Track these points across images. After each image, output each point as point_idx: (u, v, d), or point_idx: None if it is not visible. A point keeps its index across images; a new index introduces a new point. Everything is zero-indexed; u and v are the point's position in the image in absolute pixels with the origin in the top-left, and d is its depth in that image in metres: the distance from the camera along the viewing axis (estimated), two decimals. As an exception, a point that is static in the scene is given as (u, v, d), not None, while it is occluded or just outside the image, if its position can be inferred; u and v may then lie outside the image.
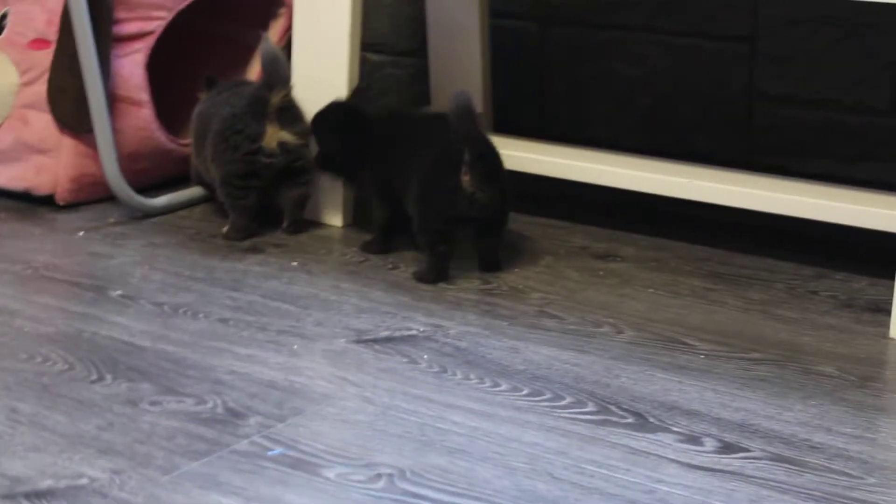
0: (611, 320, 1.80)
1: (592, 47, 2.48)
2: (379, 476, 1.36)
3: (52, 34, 2.23)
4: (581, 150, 2.22)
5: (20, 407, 1.49)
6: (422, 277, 1.92)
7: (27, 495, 1.30)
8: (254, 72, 2.49)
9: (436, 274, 1.92)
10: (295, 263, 2.00)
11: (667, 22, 2.39)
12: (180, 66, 2.45)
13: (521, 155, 2.19)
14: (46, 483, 1.32)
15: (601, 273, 1.99)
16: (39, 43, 2.25)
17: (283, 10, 2.47)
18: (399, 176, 1.98)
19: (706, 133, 2.39)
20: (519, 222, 2.20)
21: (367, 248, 2.05)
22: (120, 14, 2.24)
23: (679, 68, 2.40)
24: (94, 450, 1.39)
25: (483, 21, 2.44)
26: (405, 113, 2.13)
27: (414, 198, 1.93)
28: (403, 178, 1.97)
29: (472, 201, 1.89)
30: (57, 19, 2.22)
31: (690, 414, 1.52)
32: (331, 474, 1.36)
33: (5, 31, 2.28)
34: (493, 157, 1.94)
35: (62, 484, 1.32)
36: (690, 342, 1.73)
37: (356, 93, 2.10)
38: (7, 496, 1.29)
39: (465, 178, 1.88)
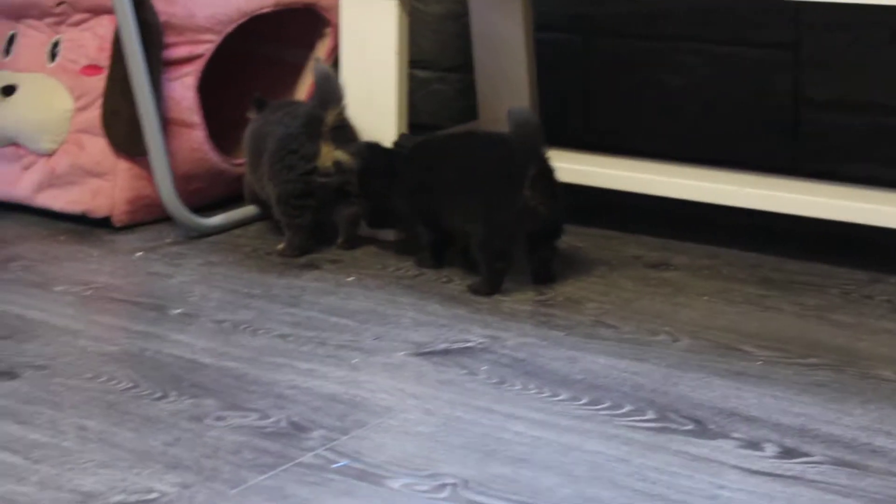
0: (667, 328, 1.81)
1: (636, 58, 2.50)
2: (443, 486, 1.37)
3: (104, 60, 2.26)
4: (629, 160, 2.23)
5: (88, 424, 1.52)
6: (477, 290, 1.94)
7: (100, 511, 1.33)
8: (302, 91, 2.52)
9: (491, 287, 1.94)
10: (351, 279, 2.02)
11: (710, 31, 2.40)
12: (230, 88, 2.48)
13: (569, 167, 2.20)
14: (117, 498, 1.35)
15: (655, 282, 2.01)
16: (92, 69, 2.28)
17: (328, 30, 2.50)
18: (444, 200, 1.99)
19: (752, 141, 2.40)
20: (571, 233, 2.21)
21: (421, 263, 2.07)
22: (170, 39, 2.27)
23: (723, 76, 2.41)
24: (162, 465, 1.42)
25: (528, 35, 2.46)
26: (432, 139, 2.14)
27: (472, 217, 1.94)
28: (451, 202, 1.98)
29: (536, 216, 1.91)
30: (108, 45, 2.25)
31: (750, 420, 1.53)
32: (396, 485, 1.37)
33: (58, 59, 2.31)
34: (552, 170, 1.95)
35: (133, 499, 1.35)
36: (747, 349, 1.74)
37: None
38: (80, 512, 1.32)
39: (528, 194, 1.90)
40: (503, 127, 2.40)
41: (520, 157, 1.92)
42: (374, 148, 2.09)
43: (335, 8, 2.40)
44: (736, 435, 1.49)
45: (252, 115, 2.26)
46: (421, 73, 2.71)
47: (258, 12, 2.39)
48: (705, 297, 1.94)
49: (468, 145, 2.05)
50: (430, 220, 2.03)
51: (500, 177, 1.93)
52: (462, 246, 2.02)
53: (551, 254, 1.99)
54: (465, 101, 2.64)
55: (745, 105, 2.40)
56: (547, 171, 1.94)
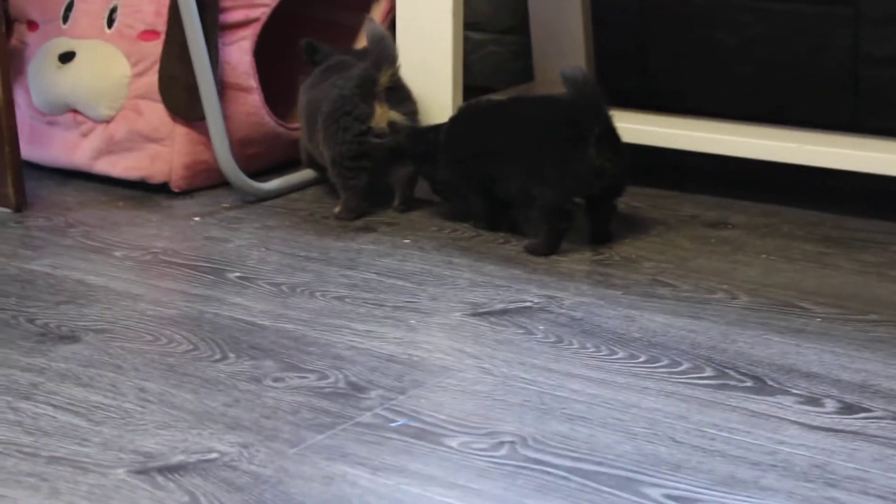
0: (724, 286, 1.80)
1: (693, 16, 2.48)
2: (501, 444, 1.38)
3: (161, 25, 2.27)
4: (687, 118, 2.22)
5: (148, 386, 1.53)
6: (535, 250, 1.94)
7: (160, 470, 1.34)
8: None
9: (551, 247, 1.93)
10: (407, 241, 2.02)
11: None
12: (286, 52, 2.48)
13: (626, 126, 2.19)
14: (178, 458, 1.36)
15: (713, 241, 2.00)
16: (149, 34, 2.29)
17: (384, -7, 2.50)
18: (503, 166, 1.98)
19: (811, 98, 2.37)
20: (628, 193, 2.19)
21: (479, 227, 2.06)
22: (226, 3, 2.28)
23: (781, 34, 2.38)
24: (222, 425, 1.43)
25: (584, -6, 2.45)
26: (480, 105, 2.11)
27: (538, 180, 1.93)
28: (512, 167, 1.97)
29: (602, 174, 1.90)
30: (165, 10, 2.26)
31: (809, 376, 1.52)
32: (454, 443, 1.38)
33: (115, 25, 2.32)
34: (616, 129, 1.95)
35: (193, 458, 1.36)
36: (806, 306, 1.73)
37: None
38: (141, 471, 1.33)
39: (594, 153, 1.89)
40: (559, 88, 2.40)
41: (584, 116, 1.91)
42: (415, 135, 2.09)
43: (390, -30, 2.40)
44: (795, 391, 1.48)
45: (302, 77, 2.27)
46: (476, 35, 2.70)
47: (313, -24, 2.40)
48: (764, 255, 1.92)
49: (526, 109, 2.04)
50: (483, 188, 2.02)
51: (567, 138, 1.92)
52: (517, 211, 2.02)
53: (611, 213, 1.99)
54: (521, 62, 2.64)
55: (804, 62, 2.37)
56: (611, 130, 1.93)
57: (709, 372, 1.54)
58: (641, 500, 1.27)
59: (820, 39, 2.35)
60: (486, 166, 2.01)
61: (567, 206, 1.92)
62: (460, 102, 2.18)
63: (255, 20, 2.32)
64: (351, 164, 2.10)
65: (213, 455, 1.37)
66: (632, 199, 2.18)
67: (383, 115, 2.09)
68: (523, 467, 1.33)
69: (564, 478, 1.31)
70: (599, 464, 1.33)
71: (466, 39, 2.57)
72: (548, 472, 1.32)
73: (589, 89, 1.94)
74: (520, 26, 2.62)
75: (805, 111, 2.37)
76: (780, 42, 2.39)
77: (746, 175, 2.25)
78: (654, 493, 1.28)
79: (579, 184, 1.91)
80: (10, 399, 1.50)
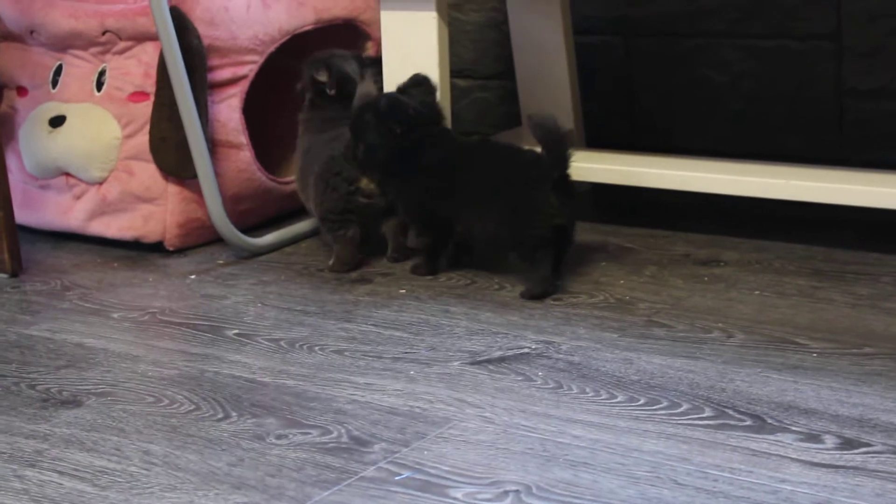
0: (720, 325, 1.82)
1: (678, 56, 2.50)
2: (506, 493, 1.38)
3: (150, 86, 2.29)
4: (674, 158, 2.24)
5: (153, 449, 1.54)
6: (531, 294, 1.95)
7: (168, 533, 1.35)
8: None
9: (543, 287, 1.95)
10: (403, 291, 2.04)
11: (750, 25, 2.41)
12: (274, 106, 2.50)
13: (615, 168, 2.22)
14: (185, 521, 1.37)
15: (706, 279, 2.01)
16: (138, 96, 2.31)
17: (370, 44, 2.52)
18: (467, 207, 2.03)
19: (798, 132, 2.40)
20: (620, 234, 2.23)
21: (416, 271, 2.10)
22: (213, 62, 2.30)
23: (766, 70, 2.41)
24: (227, 486, 1.43)
25: (567, 39, 2.47)
26: (453, 145, 2.13)
27: (498, 220, 1.97)
28: (476, 209, 2.01)
29: (556, 217, 1.94)
30: (153, 72, 2.28)
31: (808, 412, 1.53)
32: (459, 494, 1.39)
33: (105, 87, 2.34)
34: (571, 178, 2.00)
35: (200, 520, 1.37)
36: (801, 341, 1.74)
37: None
38: (149, 536, 1.34)
39: (552, 197, 1.93)
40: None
41: (548, 163, 1.95)
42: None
43: (376, 22, 2.43)
44: (795, 428, 1.49)
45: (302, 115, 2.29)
46: (462, 82, 2.72)
47: (300, 30, 2.42)
48: (757, 292, 1.94)
49: (492, 153, 2.07)
50: (440, 226, 2.06)
51: (525, 180, 1.97)
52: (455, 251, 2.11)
53: (559, 261, 2.00)
54: (508, 107, 2.66)
55: (789, 97, 2.40)
56: (568, 176, 1.99)
57: (708, 412, 1.55)
58: (647, 545, 1.28)
59: (805, 74, 2.38)
60: (451, 205, 2.03)
61: (534, 241, 1.95)
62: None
63: (243, 77, 2.34)
64: (336, 216, 2.12)
65: (220, 516, 1.37)
66: (624, 240, 2.20)
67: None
68: (529, 516, 1.34)
69: (570, 525, 1.32)
70: (604, 509, 1.34)
71: (453, 86, 2.60)
72: (553, 520, 1.33)
73: (560, 138, 1.97)
74: (505, 72, 2.64)
75: (793, 146, 2.39)
76: (767, 78, 2.41)
77: (737, 211, 2.28)
78: (660, 537, 1.29)
79: (539, 223, 1.94)
80: (15, 467, 1.50)
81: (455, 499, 1.38)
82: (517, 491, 1.39)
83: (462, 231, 2.05)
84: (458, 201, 2.03)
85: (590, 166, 2.24)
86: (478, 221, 2.01)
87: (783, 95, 2.40)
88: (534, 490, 1.39)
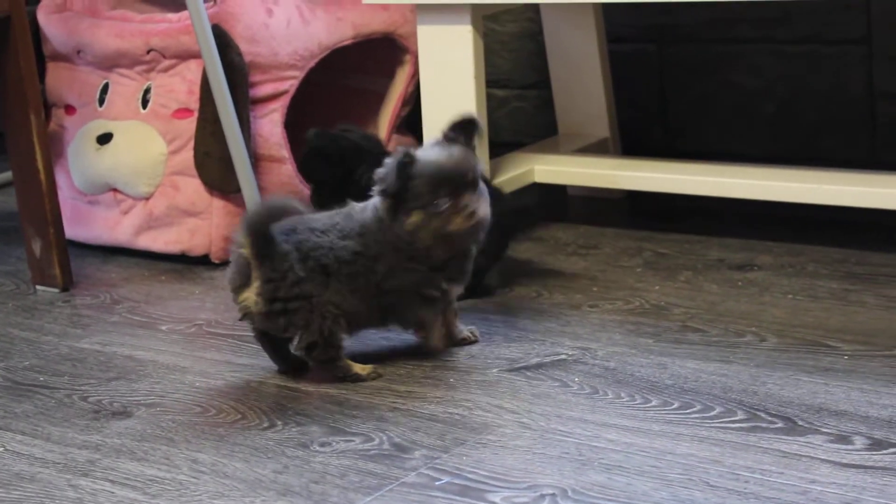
0: (753, 329, 1.85)
1: (711, 62, 2.53)
2: (542, 497, 1.42)
3: (194, 103, 2.34)
4: (708, 164, 2.27)
5: (201, 458, 1.59)
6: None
7: (217, 539, 1.39)
8: (385, 118, 2.58)
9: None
10: (442, 300, 2.08)
11: (782, 31, 2.43)
12: (315, 120, 2.55)
13: (650, 175, 2.25)
14: (233, 527, 1.42)
15: (740, 283, 2.04)
16: (182, 112, 2.37)
17: (408, 57, 2.56)
18: None
19: (830, 136, 2.42)
20: (655, 240, 2.26)
21: None
22: (255, 78, 2.35)
23: (798, 75, 2.44)
24: (273, 492, 1.48)
25: (601, 47, 2.51)
26: None
27: None
28: None
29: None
30: (197, 89, 2.34)
31: (839, 414, 1.56)
32: (497, 499, 1.43)
33: (150, 105, 2.40)
34: None
35: (248, 526, 1.42)
36: (833, 344, 1.77)
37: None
38: (198, 541, 1.39)
39: None
40: (583, 140, 2.46)
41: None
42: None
43: (413, 36, 2.47)
44: (825, 430, 1.52)
45: None
46: (499, 92, 2.77)
47: (338, 45, 2.47)
48: (790, 296, 1.97)
49: None
50: None
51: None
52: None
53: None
54: (545, 116, 2.70)
55: (822, 101, 2.42)
56: None
57: (740, 415, 1.58)
58: (679, 546, 1.31)
59: (836, 78, 2.40)
60: None
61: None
62: (486, 161, 2.24)
63: (284, 92, 2.39)
64: None
65: (266, 522, 1.42)
66: (659, 246, 2.23)
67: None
68: (564, 518, 1.38)
69: (604, 527, 1.36)
70: (638, 511, 1.38)
71: (490, 97, 2.64)
72: (588, 523, 1.37)
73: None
74: (541, 81, 2.68)
75: (826, 149, 2.42)
76: (799, 83, 2.44)
77: (771, 216, 2.31)
78: (692, 537, 1.33)
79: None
80: (69, 476, 1.56)
81: (493, 503, 1.42)
82: (553, 494, 1.43)
83: None
84: None
85: (625, 174, 2.28)
86: None
87: (815, 100, 2.43)
88: (569, 493, 1.42)
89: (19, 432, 1.69)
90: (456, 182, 1.72)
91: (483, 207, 1.74)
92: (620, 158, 2.49)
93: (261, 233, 1.73)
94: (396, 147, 1.74)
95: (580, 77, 2.53)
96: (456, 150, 1.74)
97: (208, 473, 1.54)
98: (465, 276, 1.81)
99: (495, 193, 1.92)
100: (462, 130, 1.76)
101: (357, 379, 1.78)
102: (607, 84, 2.53)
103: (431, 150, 1.75)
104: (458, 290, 1.82)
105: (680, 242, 2.26)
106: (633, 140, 2.59)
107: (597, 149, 2.50)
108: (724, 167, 2.24)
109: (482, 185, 1.76)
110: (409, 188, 1.72)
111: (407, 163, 1.71)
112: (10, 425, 1.72)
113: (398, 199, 1.73)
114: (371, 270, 1.76)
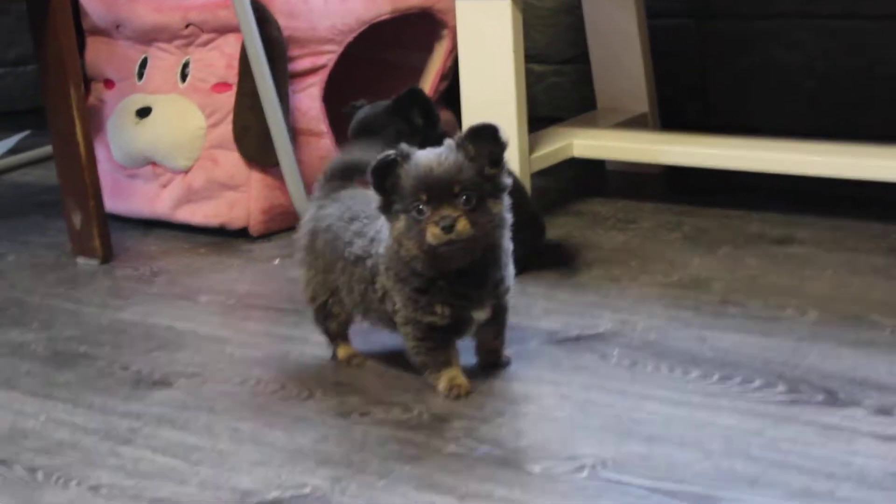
0: (794, 302, 1.84)
1: (751, 37, 2.52)
2: (582, 467, 1.42)
3: (232, 77, 2.35)
4: (748, 139, 2.26)
5: (241, 426, 1.59)
6: None
7: (258, 507, 1.40)
8: (426, 87, 2.58)
9: None
10: (481, 273, 2.08)
11: (822, 6, 2.42)
12: (353, 94, 2.55)
13: (690, 150, 2.24)
14: (273, 494, 1.42)
15: (780, 258, 2.03)
16: (221, 86, 2.37)
17: (446, 32, 2.56)
18: None
19: (871, 111, 2.41)
20: (695, 215, 2.26)
21: None
22: (293, 52, 2.35)
23: (838, 50, 2.42)
24: (313, 461, 1.48)
25: (641, 22, 2.50)
26: None
27: None
28: None
29: None
30: (235, 63, 2.34)
31: (881, 387, 1.55)
32: (536, 468, 1.43)
33: (189, 79, 2.40)
34: None
35: (287, 494, 1.42)
36: (875, 318, 1.76)
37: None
38: (239, 509, 1.40)
39: None
40: (622, 115, 2.46)
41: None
42: None
43: (451, 10, 2.47)
44: (867, 402, 1.52)
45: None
46: (538, 67, 2.76)
47: (377, 20, 2.47)
48: (831, 270, 1.96)
49: None
50: None
51: None
52: None
53: None
54: (583, 91, 2.69)
55: (862, 76, 2.41)
56: None
57: (781, 387, 1.58)
58: (720, 515, 1.31)
59: (877, 53, 2.38)
60: None
61: None
62: (525, 134, 2.23)
63: (323, 66, 2.39)
64: None
65: (307, 489, 1.42)
66: (699, 221, 2.23)
67: None
68: (604, 489, 1.38)
69: (644, 497, 1.35)
70: (678, 482, 1.38)
71: (529, 71, 2.63)
72: (628, 493, 1.36)
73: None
74: (580, 56, 2.67)
75: (866, 124, 2.40)
76: (839, 58, 2.42)
77: (811, 190, 2.29)
78: (733, 507, 1.32)
79: None
80: (111, 444, 1.57)
81: (532, 473, 1.42)
82: (593, 465, 1.42)
83: None
84: None
85: (664, 148, 2.28)
86: None
87: (856, 75, 2.41)
88: (609, 464, 1.42)
89: (61, 401, 1.70)
90: (437, 189, 1.52)
91: (482, 224, 1.54)
92: (659, 133, 2.48)
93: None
94: (399, 146, 1.57)
95: (619, 52, 2.52)
96: (451, 156, 1.54)
97: (248, 442, 1.55)
98: (469, 299, 1.61)
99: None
100: (473, 139, 1.55)
101: (334, 356, 1.78)
102: (646, 59, 2.52)
103: (430, 152, 1.56)
104: (481, 313, 1.63)
105: (719, 217, 2.25)
106: (671, 115, 2.58)
107: (635, 124, 2.49)
108: (763, 142, 2.23)
109: (497, 201, 1.57)
110: (397, 189, 1.56)
111: (388, 163, 1.55)
112: (52, 394, 1.73)
113: (387, 199, 1.57)
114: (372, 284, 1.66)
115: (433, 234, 1.52)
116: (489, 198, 1.55)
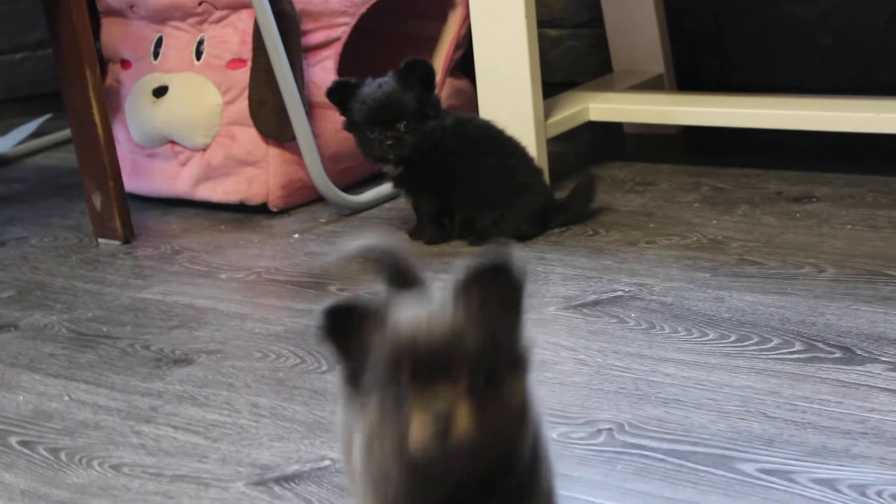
0: (811, 260, 1.84)
1: (767, -6, 2.50)
2: (599, 432, 1.43)
3: (247, 53, 2.35)
4: (764, 97, 2.25)
5: (261, 402, 1.61)
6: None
7: (277, 480, 1.41)
8: (437, 63, 2.58)
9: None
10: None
11: (838, -41, 2.40)
12: (367, 66, 2.55)
13: (706, 110, 2.23)
14: (293, 468, 1.43)
15: (798, 215, 2.03)
16: (236, 63, 2.38)
17: (459, 1, 2.55)
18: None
19: (887, 65, 2.39)
20: (712, 175, 2.25)
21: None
22: (306, 26, 2.35)
23: (853, 4, 2.40)
24: (332, 434, 1.49)
25: (655, -17, 2.49)
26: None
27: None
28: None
29: None
30: (249, 39, 2.34)
31: (898, 342, 1.55)
32: (554, 434, 1.43)
33: (204, 56, 2.41)
34: None
35: (307, 467, 1.43)
36: (893, 273, 1.76)
37: None
38: (259, 483, 1.41)
39: None
40: (637, 78, 2.45)
41: None
42: None
43: (463, -22, 2.46)
44: (884, 359, 1.52)
45: None
46: (553, 32, 2.75)
47: (389, -10, 2.47)
48: (849, 226, 1.96)
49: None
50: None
51: None
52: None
53: None
54: (598, 54, 2.68)
55: (877, 31, 2.39)
56: None
57: (798, 346, 1.58)
58: (736, 476, 1.31)
59: (893, 7, 2.37)
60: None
61: None
62: (540, 100, 2.23)
63: (336, 39, 2.40)
64: None
65: (326, 462, 1.44)
66: (716, 181, 2.22)
67: None
68: (622, 453, 1.38)
69: (662, 460, 1.36)
70: (695, 444, 1.38)
71: (544, 36, 2.62)
72: (645, 456, 1.37)
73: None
74: (594, 19, 2.66)
75: (883, 78, 2.39)
76: (854, 12, 2.40)
77: (829, 147, 2.28)
78: (749, 468, 1.32)
79: None
80: (132, 423, 1.58)
81: (550, 438, 1.42)
82: (610, 429, 1.43)
83: None
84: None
85: (681, 109, 2.27)
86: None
87: (871, 29, 2.39)
88: (626, 428, 1.43)
89: (83, 381, 1.72)
90: (422, 364, 0.94)
91: (494, 422, 0.94)
92: (676, 94, 2.47)
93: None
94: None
95: (634, 13, 2.51)
96: (441, 314, 0.96)
97: (268, 417, 1.56)
98: None
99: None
100: (481, 282, 0.99)
101: None
102: (661, 19, 2.51)
103: (413, 306, 0.98)
104: None
105: (737, 176, 2.25)
106: (688, 75, 2.57)
107: (652, 85, 2.49)
108: (780, 99, 2.22)
109: (516, 377, 0.98)
110: (365, 357, 0.97)
111: (341, 310, 0.98)
112: (74, 375, 1.75)
113: (352, 372, 0.98)
114: None
115: (419, 436, 0.93)
116: (505, 371, 0.97)
